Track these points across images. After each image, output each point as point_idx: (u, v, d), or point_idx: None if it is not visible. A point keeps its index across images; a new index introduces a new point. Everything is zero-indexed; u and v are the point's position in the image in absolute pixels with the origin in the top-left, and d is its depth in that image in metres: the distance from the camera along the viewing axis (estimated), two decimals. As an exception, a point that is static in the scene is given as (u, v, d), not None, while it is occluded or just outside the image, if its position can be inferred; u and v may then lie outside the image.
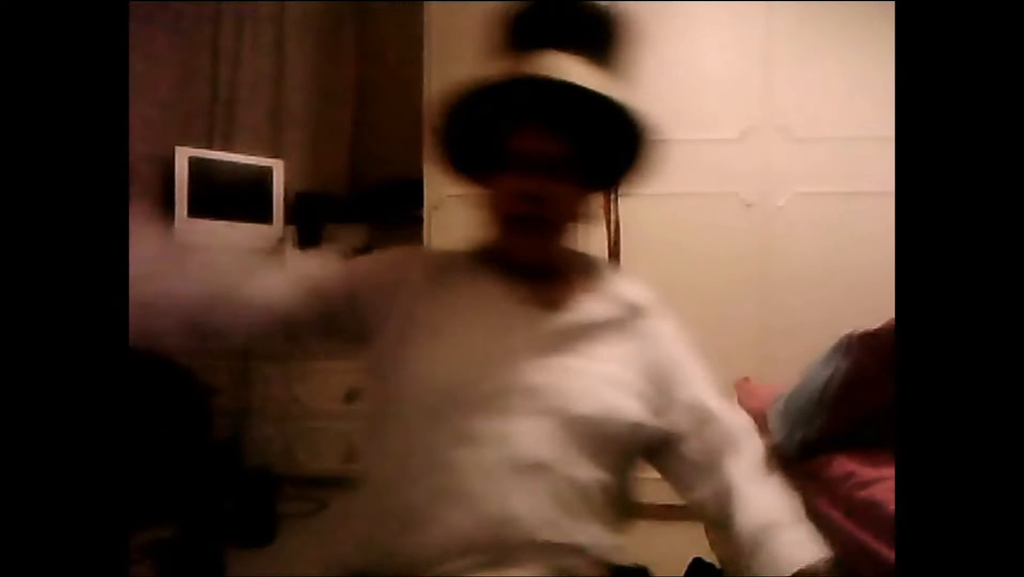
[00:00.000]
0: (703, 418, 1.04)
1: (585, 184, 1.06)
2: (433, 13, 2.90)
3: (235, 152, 3.04)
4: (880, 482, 1.20)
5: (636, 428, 0.99)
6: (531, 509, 0.90)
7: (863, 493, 1.22)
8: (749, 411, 2.16)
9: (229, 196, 2.96)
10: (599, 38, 1.05)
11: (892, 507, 1.07)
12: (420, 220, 2.85)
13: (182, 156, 2.85)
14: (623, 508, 1.02)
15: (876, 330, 1.34)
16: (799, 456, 1.58)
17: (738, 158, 2.97)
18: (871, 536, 1.11)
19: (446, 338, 0.98)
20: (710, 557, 1.23)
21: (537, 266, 1.06)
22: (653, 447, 1.04)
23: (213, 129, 3.14)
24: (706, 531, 1.46)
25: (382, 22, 3.49)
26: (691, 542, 1.37)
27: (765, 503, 0.98)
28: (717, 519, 1.01)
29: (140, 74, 2.80)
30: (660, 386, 1.03)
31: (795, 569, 0.89)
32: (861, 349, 1.40)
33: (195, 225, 2.85)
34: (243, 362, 2.86)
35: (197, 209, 2.86)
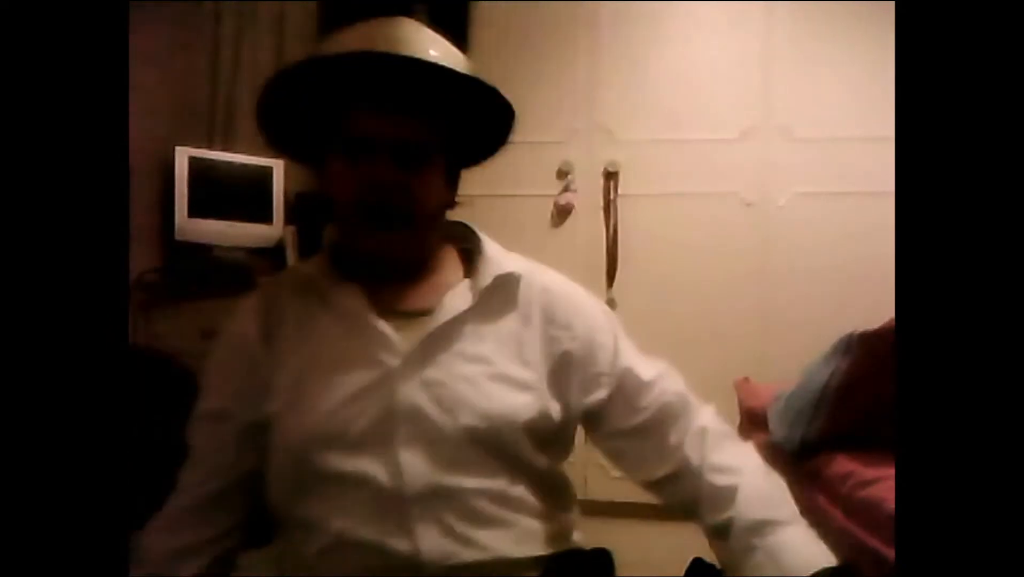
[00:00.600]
0: (627, 384, 0.95)
1: (445, 165, 0.94)
2: (433, 13, 2.90)
3: (235, 152, 3.04)
4: (880, 482, 1.20)
5: (534, 423, 0.90)
6: (440, 536, 0.84)
7: (863, 493, 1.22)
8: (749, 411, 2.16)
9: (229, 196, 2.95)
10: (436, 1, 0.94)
11: (892, 506, 1.07)
12: (420, 220, 2.85)
13: (182, 156, 2.84)
14: (553, 496, 0.94)
15: (876, 330, 1.34)
16: (799, 456, 1.58)
17: (738, 158, 2.97)
18: (871, 535, 1.11)
19: (310, 382, 0.89)
20: (710, 557, 1.23)
21: (398, 265, 0.94)
22: (589, 426, 0.97)
23: (213, 129, 3.13)
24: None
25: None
26: (691, 542, 1.37)
27: (752, 491, 0.90)
28: (684, 505, 0.94)
29: (141, 74, 2.80)
30: (560, 362, 0.94)
31: (809, 573, 0.82)
32: (861, 349, 1.40)
33: (195, 225, 2.85)
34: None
35: (197, 209, 2.85)
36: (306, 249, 3.01)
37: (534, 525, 0.90)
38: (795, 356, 1.84)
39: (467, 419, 0.87)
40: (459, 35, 0.95)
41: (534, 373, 0.92)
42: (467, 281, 0.95)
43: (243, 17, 3.20)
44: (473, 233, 1.00)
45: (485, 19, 2.94)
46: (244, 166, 3.00)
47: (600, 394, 0.95)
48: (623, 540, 1.05)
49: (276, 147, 1.00)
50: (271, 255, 3.00)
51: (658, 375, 0.97)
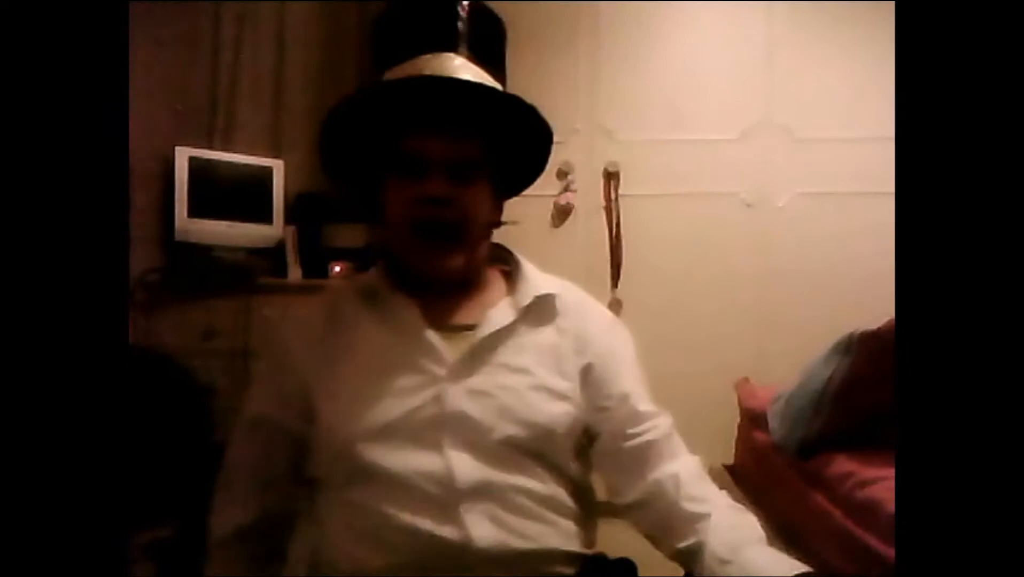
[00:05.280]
0: (624, 409, 1.01)
1: (491, 185, 1.02)
2: (433, 13, 2.89)
3: (235, 152, 3.04)
4: (880, 482, 1.20)
5: (570, 430, 0.98)
6: (490, 525, 0.90)
7: (863, 492, 1.22)
8: (749, 411, 2.16)
9: (229, 196, 2.95)
10: (478, 37, 1.02)
11: (892, 506, 1.07)
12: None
13: (182, 156, 2.84)
14: (582, 501, 1.00)
15: (876, 330, 1.35)
16: (799, 455, 1.58)
17: (738, 158, 2.97)
18: (871, 535, 1.11)
19: (363, 384, 0.96)
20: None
21: (448, 279, 1.02)
22: (586, 439, 1.02)
23: (213, 129, 3.13)
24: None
25: (382, 22, 3.49)
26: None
27: (725, 519, 0.95)
28: (652, 530, 0.99)
29: (140, 73, 2.80)
30: (587, 380, 1.01)
31: None
32: (861, 349, 1.40)
33: (195, 225, 2.85)
34: (243, 362, 2.86)
35: (197, 209, 2.85)
36: (306, 249, 3.01)
37: (571, 527, 0.96)
38: (795, 356, 1.83)
39: (510, 426, 0.94)
40: (498, 69, 1.04)
41: (570, 384, 0.99)
42: (508, 299, 1.03)
43: (243, 17, 3.20)
44: (511, 255, 1.09)
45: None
46: (244, 166, 2.99)
47: (602, 413, 1.01)
48: (621, 540, 1.05)
49: (332, 174, 1.08)
50: (271, 255, 3.00)
51: (654, 412, 1.02)
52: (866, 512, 1.15)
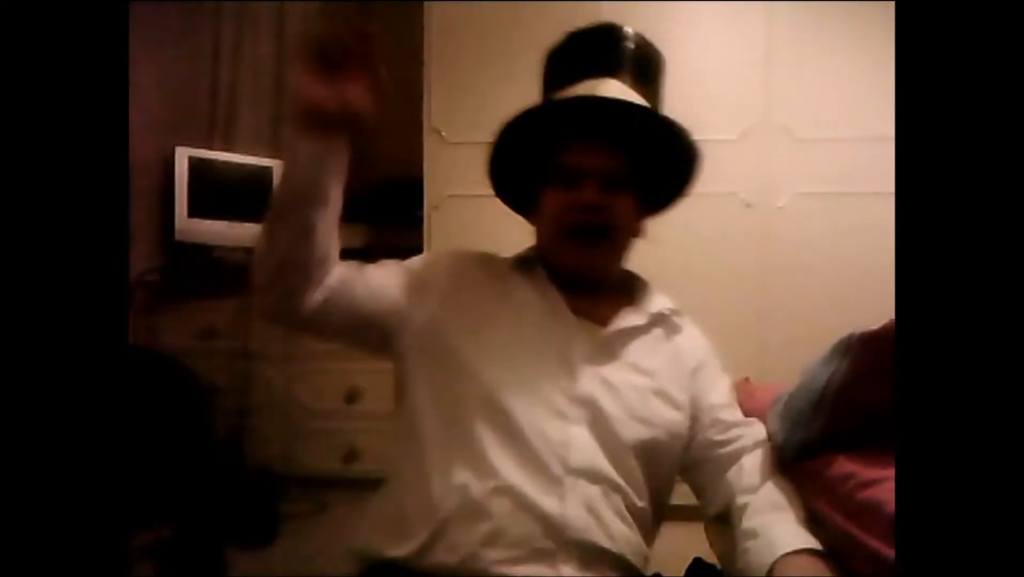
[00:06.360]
0: (722, 427, 1.09)
1: (640, 199, 1.11)
2: (433, 13, 2.90)
3: (235, 152, 3.04)
4: (881, 483, 1.20)
5: (681, 440, 1.05)
6: (581, 511, 0.93)
7: (864, 494, 1.21)
8: (749, 411, 2.15)
9: (229, 196, 2.96)
10: (638, 64, 1.12)
11: (893, 507, 1.07)
12: (420, 220, 2.85)
13: (182, 156, 2.85)
14: (659, 517, 1.06)
15: (876, 330, 1.34)
16: (799, 457, 1.58)
17: (738, 158, 2.97)
18: (872, 537, 1.11)
19: (500, 337, 1.02)
20: (710, 557, 1.23)
21: (589, 277, 1.10)
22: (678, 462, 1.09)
23: (213, 129, 3.14)
24: (706, 530, 1.46)
25: (382, 22, 3.49)
26: (691, 542, 1.37)
27: (767, 500, 1.01)
28: (722, 519, 1.04)
29: (140, 74, 2.80)
30: (693, 395, 1.08)
31: (785, 551, 0.92)
32: (861, 349, 1.40)
33: (195, 225, 2.85)
34: (243, 362, 2.86)
35: (197, 209, 2.86)
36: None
37: (640, 543, 1.01)
38: (795, 356, 1.83)
39: (632, 423, 1.00)
40: (653, 91, 1.17)
41: (685, 396, 1.08)
42: (633, 307, 1.11)
43: (243, 17, 3.20)
44: (632, 273, 1.19)
45: (487, 21, 2.94)
46: (244, 166, 3.00)
47: (696, 423, 1.09)
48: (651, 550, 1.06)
49: (497, 185, 1.17)
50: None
51: (743, 420, 1.12)
52: (867, 513, 1.15)
